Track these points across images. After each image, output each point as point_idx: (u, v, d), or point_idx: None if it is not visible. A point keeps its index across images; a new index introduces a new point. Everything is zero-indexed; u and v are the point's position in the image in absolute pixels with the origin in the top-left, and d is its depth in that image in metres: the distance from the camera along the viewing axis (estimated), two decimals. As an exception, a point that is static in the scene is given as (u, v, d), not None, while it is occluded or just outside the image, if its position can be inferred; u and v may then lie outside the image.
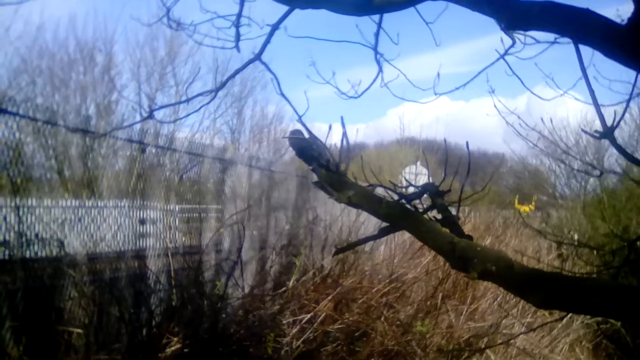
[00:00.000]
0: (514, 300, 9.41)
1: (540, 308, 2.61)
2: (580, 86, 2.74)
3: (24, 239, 5.91)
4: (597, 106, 2.62)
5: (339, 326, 7.69)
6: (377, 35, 4.36)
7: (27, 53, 22.43)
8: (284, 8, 3.81)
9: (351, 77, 4.77)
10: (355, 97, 4.75)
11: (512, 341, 8.37)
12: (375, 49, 4.45)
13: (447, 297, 9.43)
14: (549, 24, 2.98)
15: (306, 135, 3.02)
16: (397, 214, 2.74)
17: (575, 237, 16.29)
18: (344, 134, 2.97)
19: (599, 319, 10.26)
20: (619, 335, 11.04)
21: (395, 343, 7.87)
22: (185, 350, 6.41)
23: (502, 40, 4.07)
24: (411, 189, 3.02)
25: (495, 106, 4.84)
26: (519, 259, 5.60)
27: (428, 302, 9.16)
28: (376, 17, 4.19)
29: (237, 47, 4.41)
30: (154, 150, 7.72)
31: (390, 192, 2.97)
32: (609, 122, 2.57)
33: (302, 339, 7.13)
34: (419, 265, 10.12)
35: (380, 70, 4.65)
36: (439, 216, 2.81)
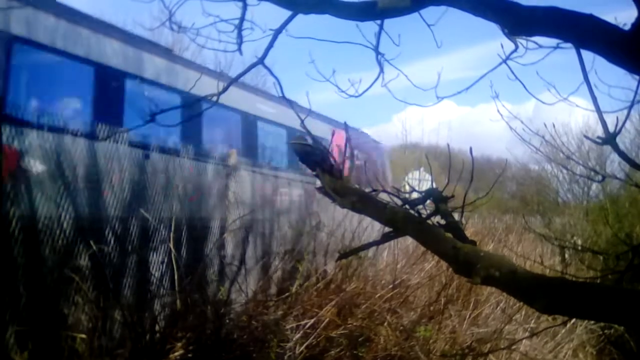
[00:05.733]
0: (517, 305, 9.40)
1: (544, 313, 2.60)
2: (583, 92, 2.74)
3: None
4: (600, 112, 2.63)
5: (342, 331, 7.68)
6: (378, 36, 4.36)
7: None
8: (287, 12, 3.82)
9: (352, 79, 4.78)
10: (356, 96, 4.74)
11: (515, 346, 8.35)
12: (376, 49, 4.45)
13: (450, 302, 9.42)
14: (552, 29, 2.99)
15: (310, 140, 3.03)
16: (400, 220, 2.75)
17: (579, 242, 16.27)
18: (348, 139, 2.98)
19: (603, 324, 10.23)
20: (623, 341, 10.99)
21: (399, 348, 7.87)
22: (189, 355, 6.42)
23: (502, 46, 4.08)
24: (414, 195, 3.03)
25: (498, 111, 4.83)
26: (522, 264, 5.59)
27: (431, 308, 9.15)
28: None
29: (239, 50, 4.43)
30: (158, 155, 7.73)
31: (393, 197, 2.98)
32: (611, 128, 2.58)
33: (306, 344, 7.12)
34: (422, 270, 10.11)
35: (382, 70, 4.64)
36: (442, 221, 2.81)
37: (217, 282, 7.97)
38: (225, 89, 4.57)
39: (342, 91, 4.74)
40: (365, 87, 4.75)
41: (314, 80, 4.68)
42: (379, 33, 4.34)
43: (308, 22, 3.86)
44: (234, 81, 4.59)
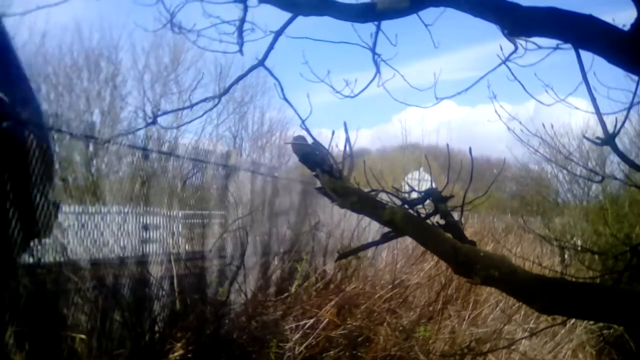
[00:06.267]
0: (517, 305, 9.42)
1: (543, 313, 2.61)
2: (583, 93, 2.75)
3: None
4: (599, 113, 2.63)
5: (342, 332, 7.69)
6: (375, 36, 4.37)
7: (32, 59, 22.48)
8: (287, 14, 3.83)
9: (349, 79, 4.79)
10: (352, 97, 4.76)
11: (514, 346, 8.37)
12: (373, 50, 4.46)
13: (450, 302, 9.43)
14: (551, 30, 2.99)
15: (309, 141, 3.03)
16: (399, 220, 2.75)
17: (578, 242, 16.28)
18: (347, 140, 2.98)
19: (602, 324, 10.24)
20: (622, 341, 11.01)
21: (398, 349, 7.87)
22: (188, 356, 6.42)
23: (501, 47, 4.09)
24: (414, 195, 3.03)
25: (496, 112, 4.85)
26: (522, 265, 5.60)
27: (431, 308, 9.16)
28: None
29: (240, 51, 4.44)
30: (157, 156, 7.72)
31: (393, 197, 2.98)
32: (610, 129, 2.58)
33: (305, 344, 7.12)
34: (422, 270, 10.13)
35: (378, 71, 4.66)
36: (442, 221, 2.81)
37: (216, 282, 7.98)
38: (226, 91, 4.58)
39: (338, 92, 4.76)
40: (361, 87, 4.77)
41: (308, 81, 4.71)
42: (376, 33, 4.35)
43: (305, 23, 3.88)
44: (234, 83, 4.61)
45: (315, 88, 4.64)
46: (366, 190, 2.99)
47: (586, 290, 2.53)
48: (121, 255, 6.99)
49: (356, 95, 4.73)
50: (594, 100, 2.68)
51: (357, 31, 4.39)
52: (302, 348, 7.09)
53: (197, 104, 5.11)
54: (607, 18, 2.82)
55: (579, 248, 13.35)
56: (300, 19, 3.81)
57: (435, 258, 8.80)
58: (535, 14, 2.88)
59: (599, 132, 2.65)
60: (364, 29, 4.35)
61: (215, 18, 4.49)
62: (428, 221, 2.79)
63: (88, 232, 6.64)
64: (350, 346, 7.66)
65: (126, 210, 7.26)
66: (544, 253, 13.74)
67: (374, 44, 4.42)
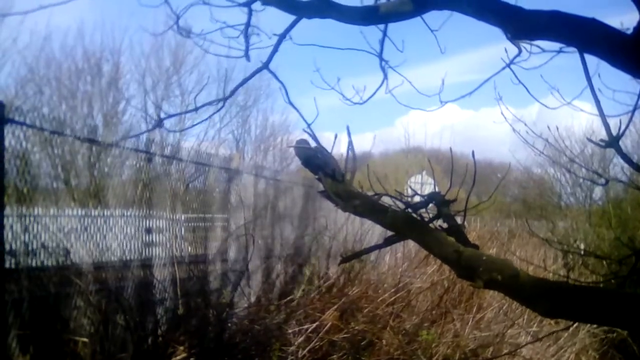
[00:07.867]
0: (520, 309, 9.40)
1: (546, 317, 2.61)
2: (588, 95, 2.74)
3: (30, 248, 5.91)
4: (603, 115, 2.62)
5: (345, 335, 7.68)
6: (382, 42, 4.37)
7: (34, 62, 22.49)
8: (291, 17, 3.83)
9: (356, 84, 4.78)
10: (360, 104, 4.74)
11: (518, 351, 8.35)
12: (380, 56, 4.45)
13: (453, 306, 9.42)
14: (555, 34, 2.98)
15: (312, 144, 3.03)
16: (402, 223, 2.74)
17: (582, 246, 16.22)
18: (350, 143, 2.97)
19: (606, 328, 10.21)
20: (626, 345, 10.99)
21: (401, 352, 7.86)
22: (191, 359, 6.42)
23: (506, 50, 4.07)
24: (417, 198, 3.03)
25: (502, 114, 4.82)
26: (525, 268, 5.59)
27: (434, 312, 9.15)
28: (381, 25, 4.20)
29: (246, 56, 4.42)
30: (160, 160, 7.73)
31: (396, 201, 2.98)
32: (614, 132, 2.58)
33: (308, 348, 7.12)
34: (425, 274, 10.12)
35: (385, 77, 4.64)
36: (445, 225, 2.81)
37: (219, 285, 7.98)
38: (231, 94, 4.57)
39: (347, 99, 4.75)
40: (369, 93, 4.76)
41: (317, 87, 4.69)
42: (383, 40, 4.34)
43: (313, 29, 3.87)
44: (239, 86, 4.61)
45: (319, 92, 4.64)
46: (369, 193, 2.99)
47: (589, 294, 2.53)
48: (124, 258, 7.00)
49: (365, 102, 4.73)
50: (598, 102, 2.67)
51: (365, 37, 4.39)
52: (305, 352, 7.09)
53: (202, 107, 5.10)
54: (612, 21, 2.81)
55: (583, 252, 13.31)
56: (308, 24, 3.81)
57: (439, 262, 8.78)
58: (538, 18, 2.87)
59: (603, 135, 2.64)
60: (371, 34, 4.35)
61: (221, 23, 4.47)
62: (431, 225, 2.79)
63: (91, 235, 6.65)
64: (353, 350, 7.65)
65: (129, 213, 7.26)
66: (548, 257, 13.71)
67: (381, 50, 4.41)
